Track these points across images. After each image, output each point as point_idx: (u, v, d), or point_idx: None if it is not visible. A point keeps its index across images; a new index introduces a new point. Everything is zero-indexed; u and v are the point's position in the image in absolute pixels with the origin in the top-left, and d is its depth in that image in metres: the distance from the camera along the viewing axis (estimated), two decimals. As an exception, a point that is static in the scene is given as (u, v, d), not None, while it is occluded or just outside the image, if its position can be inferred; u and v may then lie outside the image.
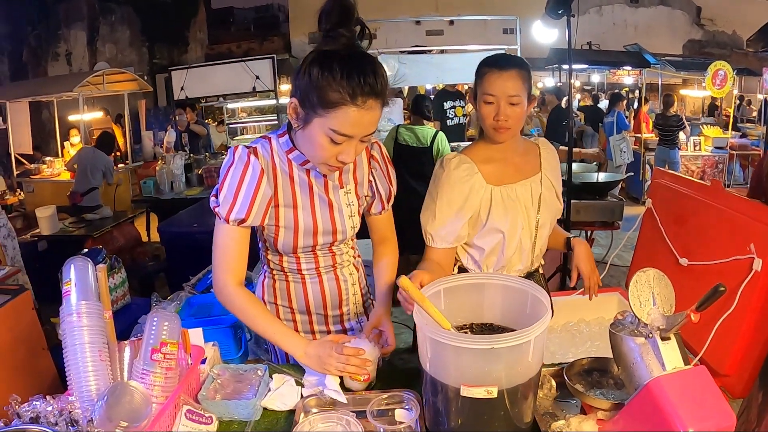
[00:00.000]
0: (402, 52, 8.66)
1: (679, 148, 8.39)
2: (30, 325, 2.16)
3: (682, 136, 8.53)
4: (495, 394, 1.13)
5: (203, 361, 1.58)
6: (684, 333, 1.78)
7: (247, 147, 1.53)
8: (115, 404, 1.09)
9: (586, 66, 11.96)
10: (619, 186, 6.58)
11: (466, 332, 1.37)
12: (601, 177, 4.69)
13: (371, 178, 1.70)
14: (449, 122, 7.22)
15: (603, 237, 5.86)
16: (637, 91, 12.73)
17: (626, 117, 9.45)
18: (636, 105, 11.38)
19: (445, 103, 7.17)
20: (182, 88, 8.38)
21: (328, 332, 1.80)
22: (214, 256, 1.57)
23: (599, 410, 1.27)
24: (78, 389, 1.21)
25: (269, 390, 1.49)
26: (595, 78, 14.75)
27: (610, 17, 15.62)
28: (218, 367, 1.58)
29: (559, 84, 13.29)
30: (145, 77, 12.05)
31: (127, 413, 1.08)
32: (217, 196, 1.53)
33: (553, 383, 1.44)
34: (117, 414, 1.07)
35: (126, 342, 1.42)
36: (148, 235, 6.84)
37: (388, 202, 1.75)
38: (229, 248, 1.55)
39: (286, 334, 1.56)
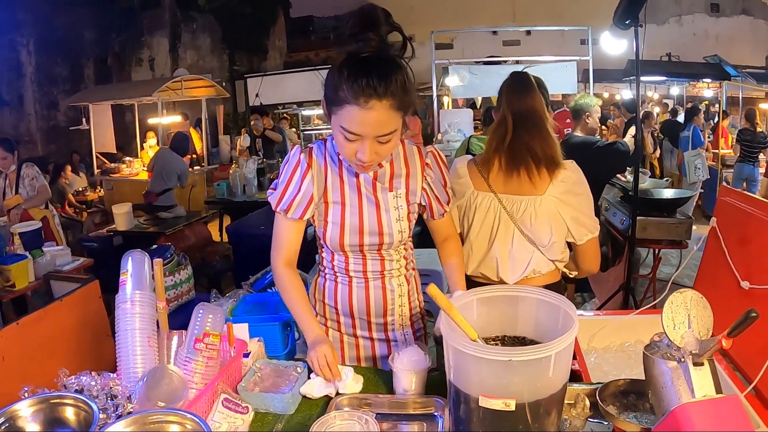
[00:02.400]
0: (477, 62, 8.66)
1: (759, 165, 8.05)
2: (96, 312, 2.30)
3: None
4: (513, 407, 1.13)
5: (246, 355, 1.66)
6: (741, 359, 1.71)
7: (304, 148, 1.68)
8: (154, 386, 1.17)
9: (664, 78, 11.59)
10: (694, 203, 6.35)
11: (496, 344, 1.37)
12: (670, 193, 4.55)
13: (425, 186, 1.73)
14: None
15: (675, 256, 5.67)
16: (717, 105, 12.21)
17: (703, 131, 9.09)
18: (716, 119, 10.93)
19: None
20: (257, 95, 8.68)
21: (371, 338, 1.85)
22: (272, 240, 1.78)
23: None
24: (125, 370, 1.32)
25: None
26: (675, 90, 14.23)
27: (690, 27, 15.01)
28: (261, 362, 1.66)
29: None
30: (224, 84, 12.51)
31: (165, 394, 1.17)
32: (275, 189, 1.70)
33: (587, 403, 1.41)
34: (155, 395, 1.15)
35: (175, 332, 1.52)
36: (221, 235, 7.09)
37: (447, 204, 1.78)
38: (279, 234, 1.75)
39: (307, 322, 1.70)
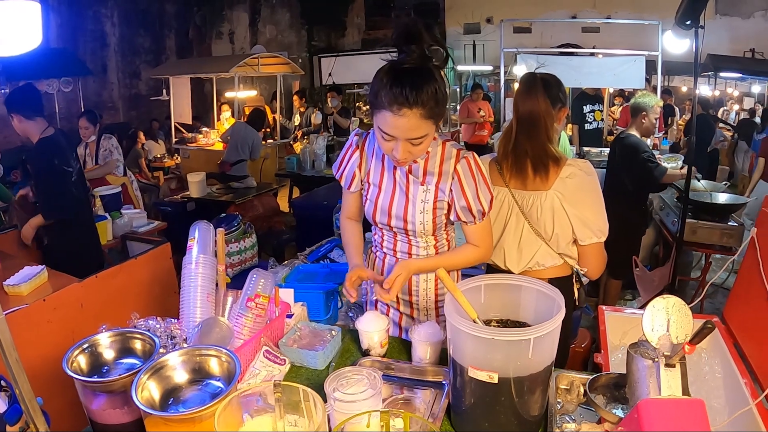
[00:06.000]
0: (549, 52, 8.62)
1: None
2: (166, 271, 2.63)
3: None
4: (496, 380, 1.30)
5: (290, 316, 1.93)
6: (762, 372, 1.78)
7: (362, 132, 1.97)
8: (207, 332, 1.45)
9: (739, 75, 11.17)
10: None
11: (498, 326, 1.54)
12: (723, 198, 4.52)
13: (452, 189, 1.84)
14: (587, 126, 7.10)
15: (734, 262, 5.53)
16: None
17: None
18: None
19: (584, 107, 7.04)
20: (330, 74, 8.92)
21: (398, 310, 2.09)
22: None
23: (608, 423, 1.34)
24: (185, 319, 1.60)
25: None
26: (756, 88, 13.52)
27: None
28: (302, 323, 1.93)
29: (717, 93, 12.46)
30: (300, 60, 12.78)
31: (215, 340, 1.43)
32: None
33: (581, 390, 1.53)
34: (207, 340, 1.42)
35: (231, 291, 1.79)
36: (290, 206, 7.43)
37: (464, 214, 1.85)
38: (343, 198, 2.10)
39: (350, 254, 2.04)
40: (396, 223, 1.91)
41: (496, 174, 2.17)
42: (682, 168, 4.54)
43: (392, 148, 1.67)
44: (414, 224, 1.88)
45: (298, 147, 8.94)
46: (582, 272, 2.20)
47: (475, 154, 1.86)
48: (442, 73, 1.67)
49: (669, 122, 10.29)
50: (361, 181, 1.97)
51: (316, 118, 10.45)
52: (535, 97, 2.07)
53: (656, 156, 4.52)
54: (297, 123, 10.72)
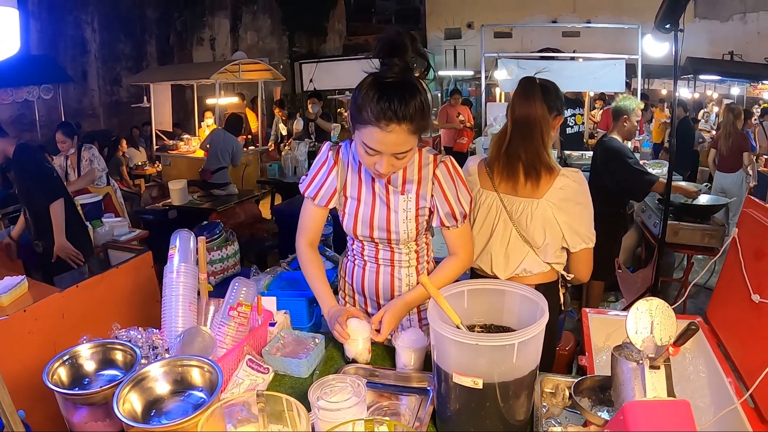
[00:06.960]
0: (529, 56, 8.70)
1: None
2: (147, 280, 2.61)
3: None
4: (480, 386, 1.29)
5: (273, 324, 1.91)
6: (745, 370, 1.81)
7: (334, 145, 1.91)
8: (190, 342, 1.43)
9: (718, 78, 11.32)
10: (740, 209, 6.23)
11: (482, 331, 1.54)
12: (704, 200, 4.56)
13: (433, 194, 1.84)
14: (569, 130, 7.17)
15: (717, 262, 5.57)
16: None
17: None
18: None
19: (565, 111, 7.12)
20: (311, 80, 8.91)
21: None
22: (299, 223, 2.01)
23: (594, 425, 1.36)
24: (167, 328, 1.58)
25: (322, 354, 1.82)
26: (735, 90, 13.70)
27: (754, 25, 13.92)
28: (285, 331, 1.91)
29: (696, 95, 12.61)
30: (281, 66, 12.74)
31: (197, 350, 1.42)
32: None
33: (566, 393, 1.53)
34: (189, 350, 1.41)
35: (212, 300, 1.78)
36: (271, 213, 7.40)
37: (448, 219, 1.84)
38: (305, 217, 1.99)
39: (322, 293, 1.95)
40: (379, 234, 1.89)
41: (485, 177, 2.15)
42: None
43: (375, 162, 1.64)
44: (398, 233, 1.87)
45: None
46: (569, 278, 2.21)
47: (451, 157, 1.86)
48: (423, 83, 1.65)
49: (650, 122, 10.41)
50: (339, 196, 1.93)
51: (298, 124, 10.43)
52: (532, 101, 2.05)
53: (641, 162, 4.55)
54: (285, 132, 10.70)
